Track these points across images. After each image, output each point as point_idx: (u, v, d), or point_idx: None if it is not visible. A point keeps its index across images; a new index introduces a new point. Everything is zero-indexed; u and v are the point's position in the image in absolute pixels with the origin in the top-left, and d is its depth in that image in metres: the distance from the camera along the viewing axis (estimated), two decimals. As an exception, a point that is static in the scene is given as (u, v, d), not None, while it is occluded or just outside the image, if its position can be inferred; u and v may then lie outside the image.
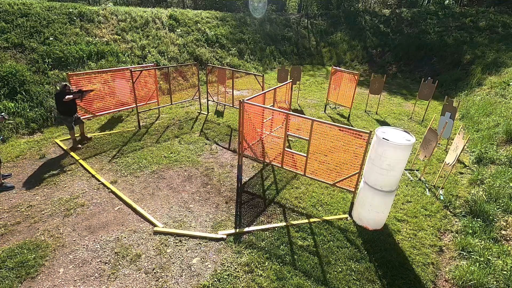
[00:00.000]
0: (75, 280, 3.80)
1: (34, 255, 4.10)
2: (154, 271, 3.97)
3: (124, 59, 11.05)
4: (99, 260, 4.10)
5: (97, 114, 8.11)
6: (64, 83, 6.64)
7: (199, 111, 9.93)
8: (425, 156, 6.29)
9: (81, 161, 6.44)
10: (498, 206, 5.17)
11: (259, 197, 5.63)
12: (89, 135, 7.55)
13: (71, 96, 6.46)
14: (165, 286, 3.78)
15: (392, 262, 4.25)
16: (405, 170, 6.71)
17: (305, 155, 5.42)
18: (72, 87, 6.90)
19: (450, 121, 7.21)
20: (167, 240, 4.49)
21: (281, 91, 7.46)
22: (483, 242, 4.53)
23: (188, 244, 4.43)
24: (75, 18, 10.80)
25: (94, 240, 4.42)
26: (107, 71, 8.69)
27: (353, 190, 5.12)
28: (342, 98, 10.17)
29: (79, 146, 6.96)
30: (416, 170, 6.79)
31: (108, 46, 10.87)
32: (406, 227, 4.99)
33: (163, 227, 4.72)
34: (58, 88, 6.92)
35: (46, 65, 8.90)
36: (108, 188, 5.64)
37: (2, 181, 5.48)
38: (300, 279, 3.91)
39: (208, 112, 9.85)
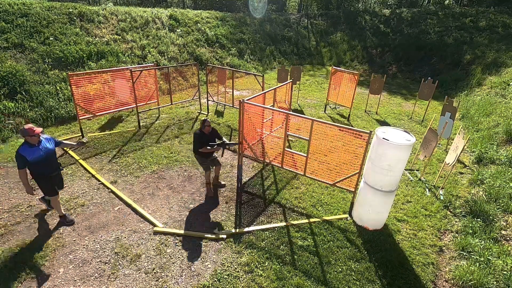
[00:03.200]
0: (75, 280, 3.80)
1: (34, 255, 4.10)
2: (154, 271, 3.97)
3: (124, 59, 11.05)
4: (99, 260, 4.10)
5: (97, 114, 8.11)
6: (204, 118, 5.20)
7: (199, 111, 9.93)
8: (425, 156, 6.28)
9: (81, 161, 6.44)
10: (498, 206, 5.17)
11: (259, 197, 5.63)
12: (89, 135, 7.56)
13: (209, 148, 5.12)
14: (165, 286, 3.78)
15: (392, 262, 4.25)
16: (405, 170, 6.70)
17: (305, 155, 5.42)
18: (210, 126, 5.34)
19: (450, 121, 7.20)
20: (167, 240, 4.49)
21: (281, 91, 7.46)
22: (483, 242, 4.53)
23: (188, 244, 4.43)
24: (75, 18, 10.81)
25: (94, 240, 4.42)
26: (107, 71, 8.69)
27: (353, 190, 5.11)
28: (342, 98, 10.17)
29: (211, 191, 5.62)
30: (416, 170, 6.78)
31: (108, 46, 10.87)
32: (406, 227, 4.99)
33: (163, 227, 4.73)
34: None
35: (46, 65, 8.91)
36: (108, 188, 5.64)
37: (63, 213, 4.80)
38: (300, 279, 3.91)
39: (208, 112, 9.85)
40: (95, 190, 5.55)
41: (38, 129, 4.12)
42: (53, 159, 4.39)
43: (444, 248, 4.62)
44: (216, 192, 5.67)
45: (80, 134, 7.52)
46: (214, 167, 5.68)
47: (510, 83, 10.22)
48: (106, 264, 4.04)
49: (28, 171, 4.17)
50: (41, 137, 4.24)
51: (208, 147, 5.10)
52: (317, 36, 21.65)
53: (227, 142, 5.41)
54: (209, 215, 5.06)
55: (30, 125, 4.07)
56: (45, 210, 4.98)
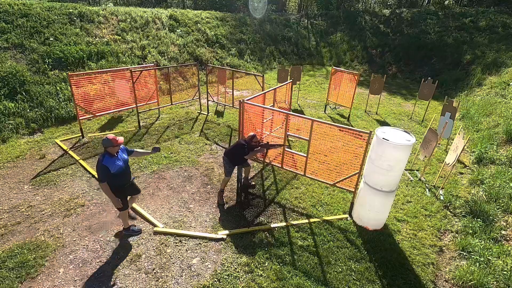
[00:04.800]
0: (75, 280, 3.80)
1: (34, 255, 4.10)
2: (154, 271, 3.97)
3: (124, 59, 11.06)
4: (99, 260, 4.10)
5: (97, 114, 8.11)
6: (253, 133, 5.19)
7: (199, 111, 9.93)
8: (425, 156, 6.29)
9: (81, 161, 6.44)
10: (498, 206, 5.17)
11: (259, 197, 5.63)
12: (89, 135, 7.56)
13: (252, 153, 5.12)
14: (165, 286, 3.78)
15: (392, 262, 4.25)
16: (405, 170, 6.70)
17: (305, 155, 5.42)
18: (260, 140, 5.52)
19: (450, 121, 7.21)
20: (167, 240, 4.49)
21: (281, 91, 7.47)
22: (483, 242, 4.53)
23: (188, 244, 4.43)
24: (75, 18, 10.81)
25: (94, 240, 4.42)
26: (107, 71, 8.70)
27: (353, 190, 5.12)
28: (342, 98, 10.17)
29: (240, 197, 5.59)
30: (416, 170, 6.78)
31: (108, 47, 10.88)
32: (406, 227, 4.99)
33: (163, 227, 4.73)
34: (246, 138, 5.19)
35: (46, 66, 8.91)
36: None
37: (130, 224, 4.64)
38: (300, 279, 3.91)
39: (208, 112, 9.85)
40: (95, 190, 5.55)
41: (121, 139, 3.93)
42: (129, 169, 4.23)
43: (444, 248, 4.63)
44: (246, 191, 5.75)
45: (80, 134, 7.52)
46: (244, 169, 5.59)
47: (510, 83, 10.22)
48: (106, 264, 4.04)
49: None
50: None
51: (251, 152, 5.10)
52: (317, 36, 21.65)
53: (271, 143, 5.37)
54: (209, 215, 5.06)
55: (112, 135, 3.85)
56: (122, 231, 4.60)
